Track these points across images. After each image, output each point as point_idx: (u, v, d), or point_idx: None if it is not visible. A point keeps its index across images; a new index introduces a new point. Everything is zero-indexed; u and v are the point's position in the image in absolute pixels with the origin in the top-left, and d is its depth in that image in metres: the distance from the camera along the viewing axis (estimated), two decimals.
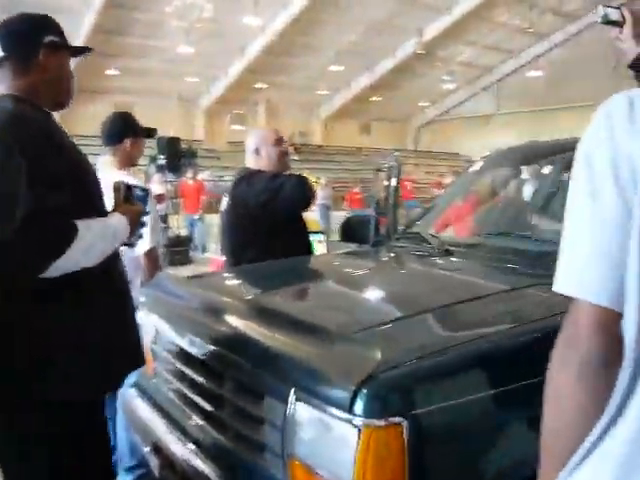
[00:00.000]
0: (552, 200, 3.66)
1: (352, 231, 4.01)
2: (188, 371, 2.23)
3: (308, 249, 3.87)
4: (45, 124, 1.79)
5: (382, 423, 1.52)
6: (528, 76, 28.42)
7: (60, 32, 1.93)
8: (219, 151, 27.90)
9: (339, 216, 18.55)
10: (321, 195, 15.81)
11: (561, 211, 3.32)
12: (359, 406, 1.53)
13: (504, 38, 26.48)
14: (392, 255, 3.30)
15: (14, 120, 1.73)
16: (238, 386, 1.97)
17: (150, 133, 3.69)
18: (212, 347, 2.12)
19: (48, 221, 1.64)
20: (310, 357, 1.79)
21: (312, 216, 11.43)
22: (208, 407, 2.10)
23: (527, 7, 22.48)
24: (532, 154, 3.99)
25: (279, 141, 3.73)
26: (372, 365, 1.62)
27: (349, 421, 1.54)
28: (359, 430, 1.53)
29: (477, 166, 4.14)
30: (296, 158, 4.12)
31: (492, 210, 3.79)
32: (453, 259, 2.90)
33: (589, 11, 26.24)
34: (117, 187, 1.98)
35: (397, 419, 1.53)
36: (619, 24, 2.48)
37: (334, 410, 1.58)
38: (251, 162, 3.66)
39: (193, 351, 2.21)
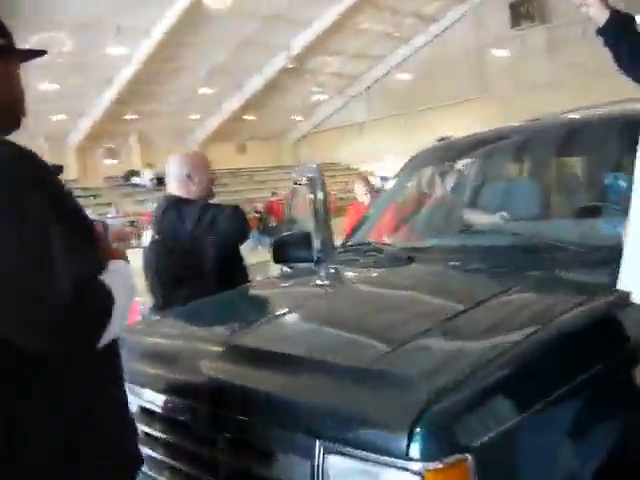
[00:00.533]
0: (495, 192, 3.56)
1: (287, 250, 3.77)
2: (169, 437, 1.91)
3: (246, 281, 3.62)
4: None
5: (447, 463, 1.31)
6: (396, 80, 29.03)
7: (5, 33, 1.51)
8: (96, 188, 26.95)
9: None
10: None
11: (509, 202, 3.14)
12: (417, 448, 1.30)
13: (369, 45, 26.93)
14: (353, 271, 3.07)
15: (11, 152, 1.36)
16: (237, 447, 1.69)
17: (57, 171, 3.34)
18: (196, 405, 1.83)
19: (90, 287, 1.30)
20: (336, 400, 1.53)
21: None
22: (202, 475, 1.80)
23: (388, 12, 22.91)
24: (455, 151, 3.90)
25: (209, 166, 3.53)
26: (420, 399, 1.39)
27: (406, 468, 1.31)
28: (421, 475, 1.30)
29: (405, 169, 4.00)
30: None
31: (433, 211, 3.64)
32: (419, 266, 2.71)
33: (447, 11, 27.24)
34: (103, 227, 1.64)
35: (462, 455, 1.32)
36: None
37: (384, 458, 1.34)
38: (179, 189, 3.37)
39: (172, 413, 1.91)
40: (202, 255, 3.20)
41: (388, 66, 29.62)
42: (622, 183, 3.03)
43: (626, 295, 1.84)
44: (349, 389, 1.55)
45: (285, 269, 4.96)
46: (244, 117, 29.04)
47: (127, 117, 26.60)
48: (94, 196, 26.14)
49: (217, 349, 2.06)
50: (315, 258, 3.51)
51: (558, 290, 2.25)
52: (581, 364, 1.61)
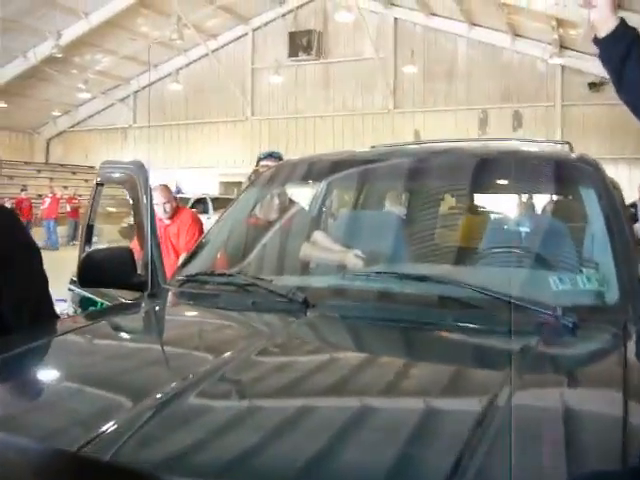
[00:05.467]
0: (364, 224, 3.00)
1: (98, 271, 2.88)
2: None
3: None
4: None
5: None
6: (167, 90, 28.04)
7: None
8: None
9: None
10: None
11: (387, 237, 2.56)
12: None
13: (144, 49, 25.70)
14: (226, 315, 2.31)
15: None
16: None
17: None
18: None
19: None
20: None
21: None
22: None
23: (169, 20, 21.93)
24: (322, 169, 3.30)
25: None
26: None
27: None
28: None
29: (252, 186, 3.33)
30: None
31: (296, 240, 2.97)
32: (325, 316, 2.05)
33: (228, 29, 26.93)
34: None
35: None
36: None
37: None
38: None
39: None
40: None
41: (160, 74, 28.54)
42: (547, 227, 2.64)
43: None
44: None
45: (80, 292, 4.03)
46: None
47: None
48: None
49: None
50: (149, 287, 2.71)
51: None
52: None
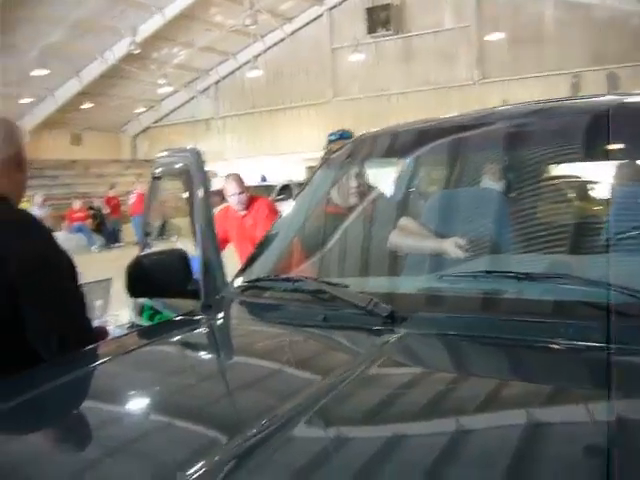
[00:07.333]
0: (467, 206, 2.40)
1: (148, 279, 2.41)
2: None
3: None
4: None
5: None
6: (247, 78, 27.86)
7: None
8: None
9: (60, 238, 16.09)
10: (37, 215, 13.50)
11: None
12: None
13: (221, 39, 25.52)
14: (293, 334, 1.80)
15: None
16: None
17: None
18: None
19: None
20: None
21: None
22: None
23: (242, 7, 21.62)
24: (405, 141, 2.72)
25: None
26: None
27: None
28: None
29: (324, 168, 2.80)
30: None
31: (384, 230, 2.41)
32: (422, 337, 1.51)
33: (303, 10, 26.45)
34: None
35: None
36: None
37: None
38: None
39: None
40: None
41: (239, 62, 28.35)
42: None
43: None
44: None
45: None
46: (81, 105, 26.58)
47: None
48: None
49: None
50: (203, 297, 2.24)
51: None
52: None
